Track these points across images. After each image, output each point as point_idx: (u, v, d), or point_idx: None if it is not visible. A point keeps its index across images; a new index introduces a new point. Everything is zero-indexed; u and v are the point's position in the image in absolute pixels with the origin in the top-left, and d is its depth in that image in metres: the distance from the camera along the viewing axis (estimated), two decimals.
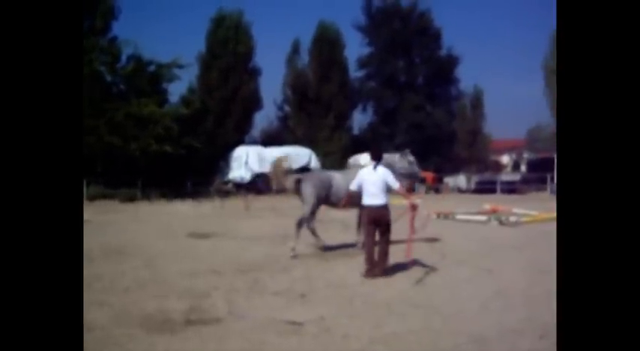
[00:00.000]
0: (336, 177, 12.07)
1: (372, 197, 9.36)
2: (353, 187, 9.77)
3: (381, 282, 8.86)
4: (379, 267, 9.28)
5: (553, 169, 41.36)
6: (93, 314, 6.54)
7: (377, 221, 9.33)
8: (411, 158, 12.38)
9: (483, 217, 19.23)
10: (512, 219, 18.26)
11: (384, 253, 9.38)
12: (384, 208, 9.33)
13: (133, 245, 12.83)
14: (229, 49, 41.77)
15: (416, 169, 12.55)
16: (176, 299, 7.68)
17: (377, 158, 9.71)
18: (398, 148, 43.49)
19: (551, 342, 5.84)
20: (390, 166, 10.70)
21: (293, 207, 24.30)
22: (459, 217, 19.58)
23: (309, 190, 11.93)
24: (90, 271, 8.15)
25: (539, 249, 11.79)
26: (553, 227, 13.45)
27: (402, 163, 12.24)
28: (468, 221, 18.87)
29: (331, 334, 6.19)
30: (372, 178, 9.41)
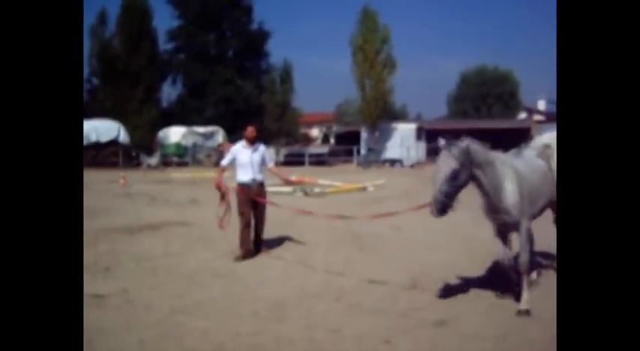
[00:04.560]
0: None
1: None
2: None
3: (186, 255, 8.93)
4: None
5: (359, 142, 43.25)
6: None
7: None
8: None
9: (289, 189, 19.75)
10: (317, 190, 18.96)
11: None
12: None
13: None
14: None
15: None
16: None
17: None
18: (208, 122, 42.89)
19: (347, 304, 6.27)
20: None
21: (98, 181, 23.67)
22: (265, 189, 19.89)
23: None
24: None
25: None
26: (354, 196, 14.17)
27: None
28: (274, 193, 19.26)
29: (133, 306, 6.32)
30: None
